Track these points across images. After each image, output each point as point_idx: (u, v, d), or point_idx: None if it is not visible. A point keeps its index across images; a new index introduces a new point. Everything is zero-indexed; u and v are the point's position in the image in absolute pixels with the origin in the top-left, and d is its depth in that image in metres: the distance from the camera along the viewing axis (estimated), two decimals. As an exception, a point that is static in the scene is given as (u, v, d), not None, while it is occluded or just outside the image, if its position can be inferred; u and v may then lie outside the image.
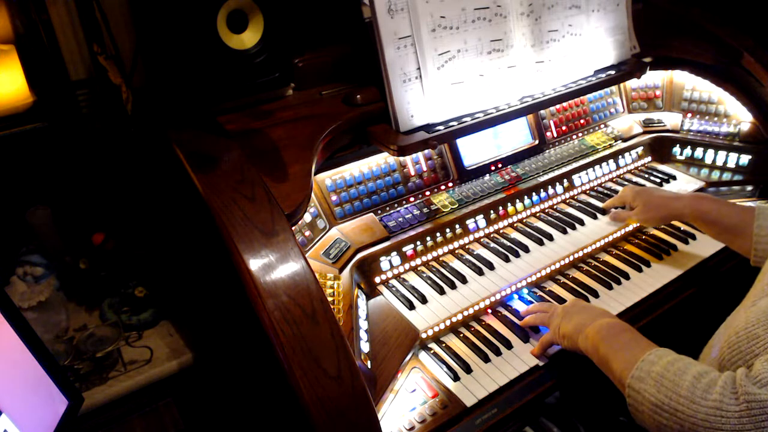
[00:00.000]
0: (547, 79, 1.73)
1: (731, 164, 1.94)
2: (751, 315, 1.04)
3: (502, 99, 1.65)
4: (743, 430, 0.89)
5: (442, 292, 1.50)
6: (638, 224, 1.73)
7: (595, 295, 1.54)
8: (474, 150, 1.79)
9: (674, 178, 1.97)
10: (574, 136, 2.00)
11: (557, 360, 1.37)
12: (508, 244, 1.66)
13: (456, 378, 1.32)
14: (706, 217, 1.49)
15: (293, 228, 1.21)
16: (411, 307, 1.46)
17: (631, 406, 1.07)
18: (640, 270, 1.61)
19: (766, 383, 0.90)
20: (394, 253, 1.56)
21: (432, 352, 1.40)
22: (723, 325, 1.20)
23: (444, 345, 1.42)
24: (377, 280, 1.54)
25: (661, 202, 1.61)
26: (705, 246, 1.67)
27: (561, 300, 1.52)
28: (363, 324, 1.39)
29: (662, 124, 2.07)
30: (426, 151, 1.71)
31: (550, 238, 1.68)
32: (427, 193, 1.71)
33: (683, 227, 1.75)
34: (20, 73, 1.53)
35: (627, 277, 1.59)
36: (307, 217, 1.50)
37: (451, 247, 1.65)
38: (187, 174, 1.26)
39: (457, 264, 1.60)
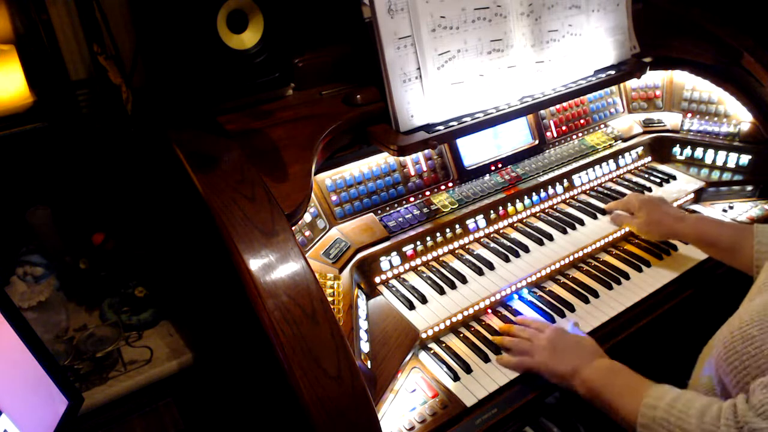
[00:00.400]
0: (547, 79, 1.73)
1: (731, 164, 1.94)
2: (745, 315, 1.05)
3: (502, 99, 1.65)
4: None
5: (442, 292, 1.50)
6: (633, 231, 1.71)
7: (595, 295, 1.54)
8: (474, 150, 1.79)
9: (674, 178, 1.97)
10: (574, 136, 2.00)
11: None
12: (508, 244, 1.66)
13: (456, 378, 1.32)
14: (706, 239, 1.51)
15: (293, 228, 1.21)
16: (411, 307, 1.46)
17: None
18: (640, 270, 1.61)
19: (766, 414, 0.90)
20: (394, 253, 1.56)
21: (432, 352, 1.40)
22: (724, 324, 1.21)
23: (444, 345, 1.42)
24: (377, 280, 1.54)
25: (665, 219, 1.60)
26: (705, 246, 1.67)
27: (561, 300, 1.52)
28: (363, 324, 1.39)
29: (662, 124, 2.07)
30: (426, 151, 1.71)
31: (550, 238, 1.68)
32: (427, 193, 1.71)
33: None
34: (20, 73, 1.53)
35: (627, 277, 1.59)
36: (307, 217, 1.50)
37: (451, 247, 1.65)
38: (187, 174, 1.26)
39: (457, 264, 1.60)
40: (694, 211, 1.83)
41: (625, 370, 1.21)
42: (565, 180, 1.87)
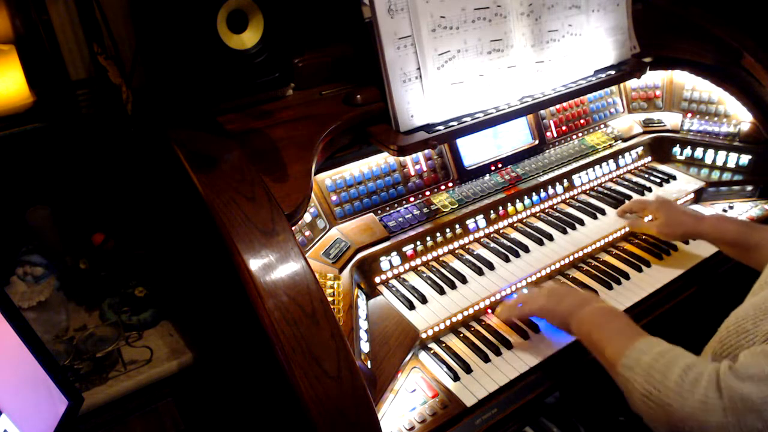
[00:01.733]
0: (547, 79, 1.73)
1: (731, 164, 1.94)
2: (741, 310, 1.05)
3: (502, 99, 1.65)
4: (728, 424, 0.90)
5: (442, 292, 1.50)
6: (652, 233, 1.69)
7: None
8: (474, 150, 1.79)
9: (674, 178, 1.97)
10: (574, 136, 2.00)
11: (557, 360, 1.37)
12: (508, 244, 1.66)
13: (456, 378, 1.32)
14: (725, 238, 1.52)
15: (293, 228, 1.21)
16: (411, 307, 1.46)
17: (623, 392, 1.09)
18: (640, 270, 1.61)
19: (746, 376, 0.91)
20: (394, 253, 1.56)
21: (432, 352, 1.40)
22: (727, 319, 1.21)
23: (444, 345, 1.42)
24: (377, 280, 1.54)
25: (684, 219, 1.61)
26: (705, 246, 1.67)
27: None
28: (363, 324, 1.39)
29: (662, 124, 2.07)
30: (426, 151, 1.71)
31: (550, 238, 1.68)
32: (427, 193, 1.71)
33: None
34: (20, 73, 1.53)
35: (627, 277, 1.59)
36: (307, 217, 1.50)
37: (451, 247, 1.65)
38: (187, 174, 1.26)
39: (457, 264, 1.60)
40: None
41: (623, 316, 1.24)
42: (565, 180, 1.87)
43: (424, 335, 1.40)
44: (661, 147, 2.06)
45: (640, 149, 2.04)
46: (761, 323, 0.98)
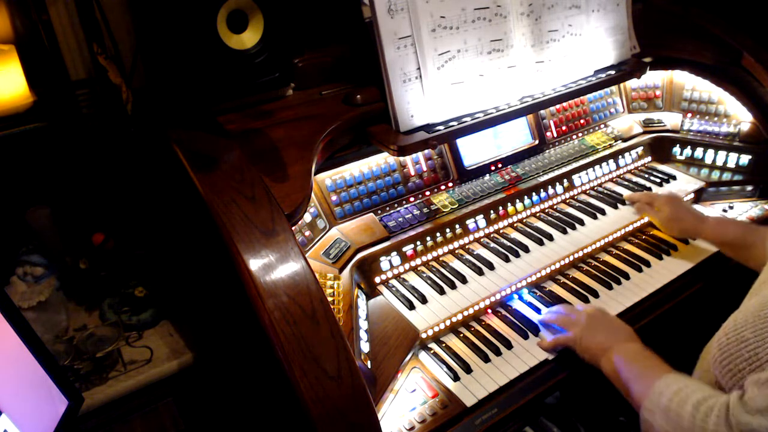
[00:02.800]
0: (547, 79, 1.73)
1: (731, 164, 1.94)
2: (739, 316, 1.05)
3: (502, 99, 1.65)
4: None
5: (442, 292, 1.50)
6: (655, 224, 1.75)
7: (595, 295, 1.54)
8: (474, 150, 1.79)
9: (674, 178, 1.97)
10: (574, 136, 2.00)
11: (557, 360, 1.37)
12: (508, 244, 1.66)
13: (456, 378, 1.32)
14: (724, 239, 1.57)
15: (293, 228, 1.21)
16: (411, 307, 1.46)
17: None
18: (640, 270, 1.61)
19: (756, 410, 0.91)
20: (394, 253, 1.56)
21: (432, 352, 1.40)
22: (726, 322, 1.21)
23: (444, 345, 1.42)
24: (377, 280, 1.54)
25: (688, 218, 1.66)
26: (705, 246, 1.67)
27: (562, 300, 1.52)
28: (363, 324, 1.39)
29: (662, 124, 2.07)
30: (426, 151, 1.71)
31: (550, 238, 1.68)
32: (427, 193, 1.71)
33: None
34: (20, 73, 1.53)
35: (627, 277, 1.59)
36: (307, 217, 1.50)
37: (451, 247, 1.65)
38: (187, 174, 1.26)
39: (457, 264, 1.60)
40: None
41: (651, 356, 1.23)
42: (565, 180, 1.87)
43: (424, 335, 1.40)
44: (661, 147, 2.06)
45: (640, 149, 2.04)
46: (761, 332, 0.98)
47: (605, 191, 1.89)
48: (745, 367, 0.98)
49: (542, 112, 1.93)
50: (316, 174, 1.46)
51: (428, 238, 1.61)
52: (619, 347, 1.26)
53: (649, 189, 1.91)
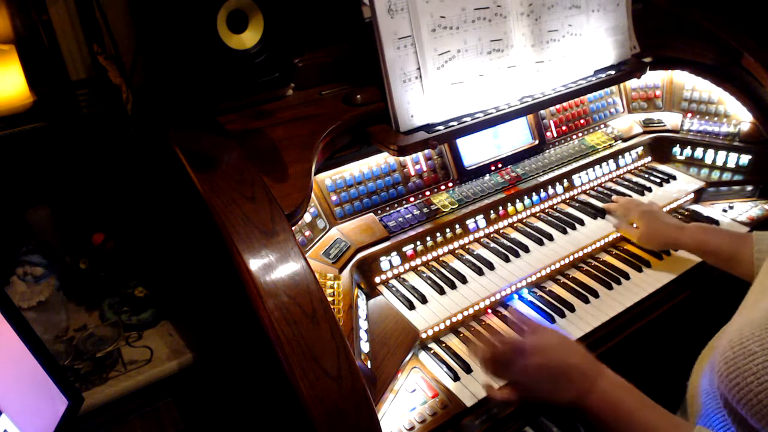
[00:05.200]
0: (547, 79, 1.73)
1: (731, 164, 1.94)
2: (745, 328, 1.02)
3: (502, 99, 1.65)
4: None
5: (442, 292, 1.50)
6: (633, 240, 1.69)
7: (595, 295, 1.54)
8: (474, 150, 1.79)
9: (674, 178, 1.97)
10: (574, 136, 2.00)
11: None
12: (508, 244, 1.66)
13: (456, 378, 1.32)
14: (706, 248, 1.52)
15: (293, 228, 1.21)
16: (411, 307, 1.46)
17: None
18: (640, 270, 1.61)
19: None
20: (394, 253, 1.56)
21: (432, 352, 1.40)
22: (723, 331, 1.20)
23: (444, 345, 1.42)
24: (377, 280, 1.54)
25: (665, 230, 1.60)
26: (705, 246, 1.67)
27: (561, 300, 1.52)
28: (363, 324, 1.39)
29: (662, 124, 2.07)
30: (426, 151, 1.71)
31: (550, 238, 1.68)
32: (427, 193, 1.71)
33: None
34: (20, 73, 1.53)
35: (627, 277, 1.59)
36: (307, 217, 1.50)
37: (451, 247, 1.65)
38: (187, 174, 1.26)
39: (457, 264, 1.60)
40: (694, 212, 1.83)
41: (633, 392, 1.07)
42: (565, 180, 1.87)
43: (424, 335, 1.40)
44: (661, 147, 2.06)
45: (640, 149, 2.04)
46: None
47: (605, 191, 1.89)
48: (753, 381, 0.96)
49: (542, 112, 1.93)
50: (316, 174, 1.46)
51: (428, 238, 1.61)
52: (595, 392, 1.05)
53: (650, 189, 1.91)
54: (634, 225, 1.68)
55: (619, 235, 1.73)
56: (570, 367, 1.09)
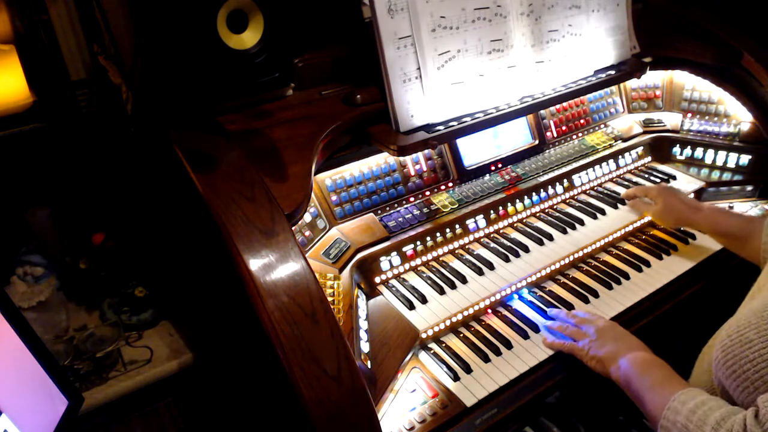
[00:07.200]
0: (547, 79, 1.73)
1: (731, 164, 1.94)
2: (742, 317, 1.04)
3: (502, 99, 1.65)
4: None
5: (442, 292, 1.50)
6: (650, 218, 1.76)
7: (595, 295, 1.54)
8: (474, 150, 1.79)
9: (674, 178, 1.97)
10: (574, 136, 2.00)
11: (557, 360, 1.37)
12: (508, 244, 1.66)
13: (456, 378, 1.32)
14: (718, 229, 1.57)
15: (293, 228, 1.21)
16: (411, 307, 1.46)
17: None
18: (640, 270, 1.61)
19: None
20: (394, 253, 1.56)
21: (432, 352, 1.40)
22: (724, 325, 1.21)
23: (444, 345, 1.42)
24: (377, 280, 1.54)
25: (681, 208, 1.67)
26: (705, 246, 1.67)
27: (561, 300, 1.53)
28: (363, 324, 1.39)
29: (662, 124, 2.07)
30: (426, 151, 1.71)
31: (550, 238, 1.68)
32: (427, 193, 1.71)
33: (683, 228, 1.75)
34: (20, 73, 1.53)
35: (627, 277, 1.59)
36: (307, 217, 1.50)
37: (451, 247, 1.65)
38: (187, 174, 1.26)
39: (457, 264, 1.60)
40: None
41: (663, 365, 1.22)
42: (565, 180, 1.87)
43: (424, 335, 1.40)
44: (661, 147, 2.06)
45: (640, 149, 2.04)
46: (765, 333, 0.97)
47: (605, 191, 1.89)
48: (749, 369, 0.97)
49: (542, 112, 1.93)
50: (316, 174, 1.46)
51: (428, 238, 1.61)
52: (630, 356, 1.24)
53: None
54: (653, 203, 1.73)
55: (618, 235, 1.73)
56: (622, 335, 1.33)
